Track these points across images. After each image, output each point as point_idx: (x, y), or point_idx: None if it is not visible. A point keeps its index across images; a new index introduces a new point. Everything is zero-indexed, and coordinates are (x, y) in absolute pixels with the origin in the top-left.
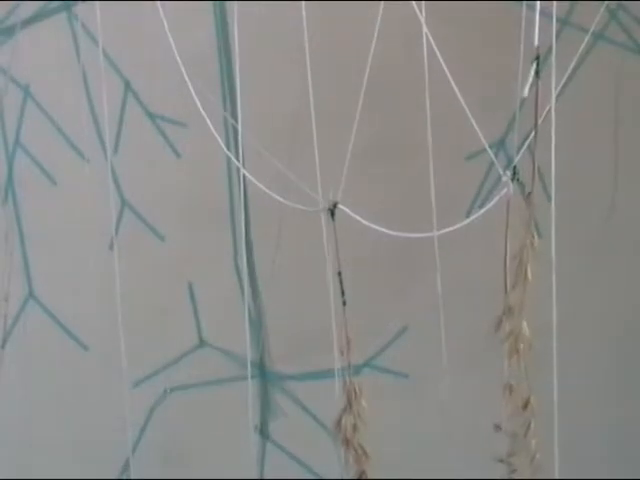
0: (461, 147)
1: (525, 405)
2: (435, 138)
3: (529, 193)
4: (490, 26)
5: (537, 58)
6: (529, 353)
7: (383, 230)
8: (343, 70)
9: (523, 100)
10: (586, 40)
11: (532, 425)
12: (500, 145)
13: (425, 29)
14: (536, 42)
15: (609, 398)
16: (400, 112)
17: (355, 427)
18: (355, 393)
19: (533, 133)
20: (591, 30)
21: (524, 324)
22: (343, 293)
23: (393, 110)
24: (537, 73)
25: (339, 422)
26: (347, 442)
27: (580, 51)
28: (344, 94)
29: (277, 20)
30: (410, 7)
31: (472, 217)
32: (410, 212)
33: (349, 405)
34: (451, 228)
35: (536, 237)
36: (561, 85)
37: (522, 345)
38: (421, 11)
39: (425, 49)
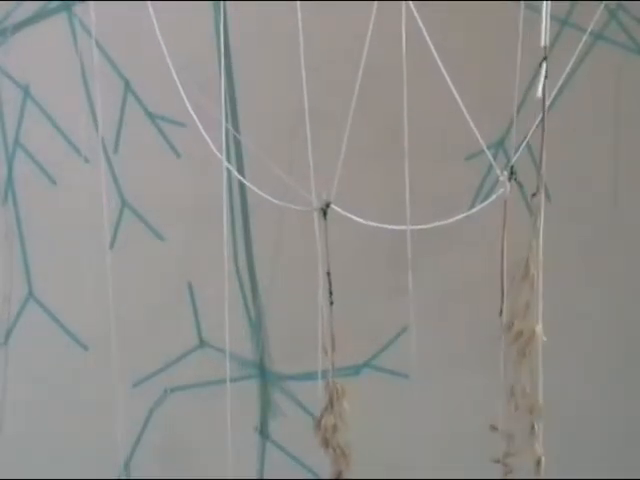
0: (461, 147)
1: (532, 409)
2: (435, 138)
3: (534, 194)
4: (489, 25)
5: (545, 59)
6: (538, 356)
7: (377, 225)
8: (342, 70)
9: (523, 100)
10: (584, 39)
11: (536, 428)
12: (499, 145)
13: (422, 27)
14: (542, 42)
15: (609, 398)
16: (399, 112)
17: (335, 427)
18: (337, 394)
19: (530, 133)
20: (589, 29)
21: (539, 327)
22: (331, 293)
23: (392, 111)
24: (545, 73)
25: (319, 422)
26: (326, 442)
27: (578, 51)
28: (343, 94)
29: (275, 20)
30: (408, 7)
31: (458, 216)
32: (409, 212)
33: (330, 406)
34: (443, 223)
35: (541, 238)
36: (559, 86)
37: (530, 348)
38: (418, 11)
39: (403, 45)
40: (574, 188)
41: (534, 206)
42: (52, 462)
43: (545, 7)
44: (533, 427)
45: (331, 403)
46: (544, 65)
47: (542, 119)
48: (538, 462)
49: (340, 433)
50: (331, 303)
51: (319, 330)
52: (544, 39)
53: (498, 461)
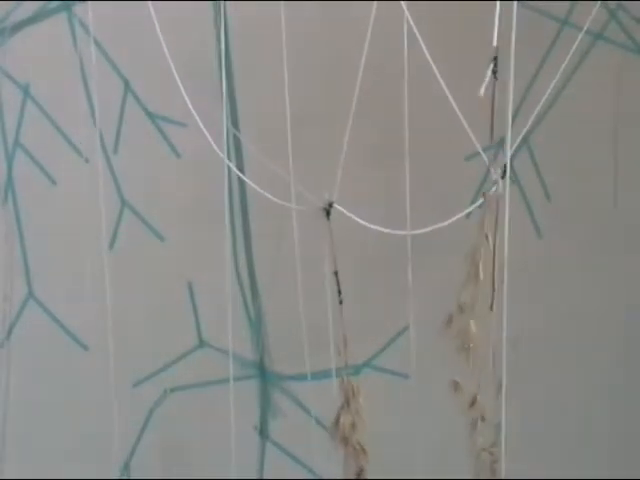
0: (461, 147)
1: (472, 403)
2: (435, 139)
3: (483, 194)
4: (490, 25)
5: (495, 59)
6: (477, 352)
7: (376, 227)
8: (342, 70)
9: (523, 100)
10: (579, 38)
11: (479, 424)
12: (499, 145)
13: (414, 27)
14: (495, 42)
15: (609, 398)
16: (399, 113)
17: (353, 425)
18: (353, 392)
19: (523, 133)
20: (585, 28)
21: (472, 322)
22: (340, 292)
23: (392, 111)
24: (494, 73)
25: (337, 421)
26: (346, 440)
27: (576, 51)
28: (345, 95)
29: (275, 20)
30: (409, 7)
31: (453, 218)
32: (409, 212)
33: (347, 404)
34: (434, 227)
35: (490, 237)
36: (553, 85)
37: (470, 344)
38: (418, 11)
39: (403, 47)
40: (574, 188)
41: (488, 201)
42: (52, 462)
43: (498, 7)
44: (476, 423)
45: (347, 401)
46: (491, 65)
47: (492, 120)
48: (477, 457)
49: (359, 430)
50: (340, 302)
51: (328, 329)
52: (495, 39)
53: (484, 450)
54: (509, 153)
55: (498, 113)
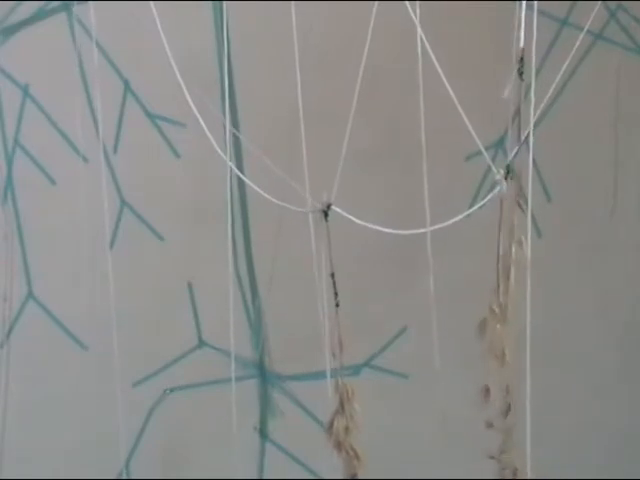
0: (461, 147)
1: (507, 410)
2: (435, 139)
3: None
4: (490, 25)
5: (521, 59)
6: (512, 357)
7: (376, 227)
8: (343, 71)
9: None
10: (580, 38)
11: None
12: (499, 145)
13: (417, 26)
14: (522, 43)
15: (609, 397)
16: (400, 112)
17: (347, 429)
18: (347, 395)
19: (526, 133)
20: (586, 28)
21: (507, 328)
22: (336, 295)
23: (393, 110)
24: (521, 74)
25: (331, 424)
26: (339, 445)
27: (577, 51)
28: (343, 95)
29: (275, 20)
30: (411, 7)
31: (456, 218)
32: (409, 212)
33: (341, 407)
34: (439, 225)
35: (524, 240)
36: (554, 86)
37: (505, 349)
38: (417, 11)
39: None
40: (574, 188)
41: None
42: (52, 462)
43: (519, 7)
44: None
45: (342, 405)
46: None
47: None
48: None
49: (352, 435)
50: (337, 305)
51: (323, 331)
52: (522, 40)
53: (493, 457)
54: (515, 150)
55: (499, 113)
